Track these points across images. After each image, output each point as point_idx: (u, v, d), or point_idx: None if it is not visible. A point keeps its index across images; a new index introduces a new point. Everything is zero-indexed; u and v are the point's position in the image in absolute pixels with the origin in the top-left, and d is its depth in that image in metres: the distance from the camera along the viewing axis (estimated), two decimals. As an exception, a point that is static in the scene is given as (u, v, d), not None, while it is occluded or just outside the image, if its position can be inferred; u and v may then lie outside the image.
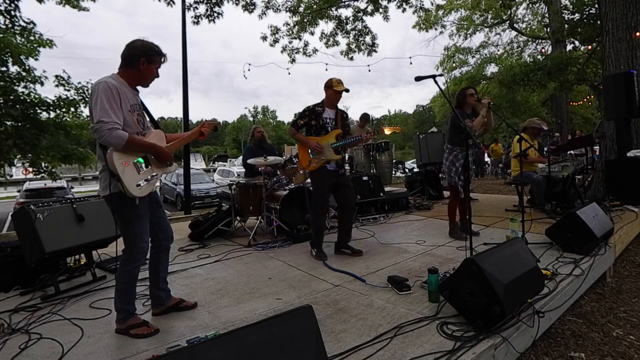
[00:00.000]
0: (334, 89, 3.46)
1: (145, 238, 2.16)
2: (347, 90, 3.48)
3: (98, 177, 2.13)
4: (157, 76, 2.23)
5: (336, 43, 10.77)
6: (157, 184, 2.29)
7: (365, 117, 7.23)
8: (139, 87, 2.23)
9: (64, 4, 8.76)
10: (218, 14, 8.56)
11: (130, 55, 2.11)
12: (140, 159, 2.09)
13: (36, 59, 8.20)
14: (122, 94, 2.02)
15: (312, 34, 10.43)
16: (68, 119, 8.77)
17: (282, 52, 10.49)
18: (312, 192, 3.58)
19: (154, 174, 2.15)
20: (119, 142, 1.93)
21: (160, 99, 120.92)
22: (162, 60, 2.20)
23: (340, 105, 3.63)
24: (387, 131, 3.74)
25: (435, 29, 17.49)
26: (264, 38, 10.29)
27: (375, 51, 10.78)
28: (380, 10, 9.78)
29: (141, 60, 2.10)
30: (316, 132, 3.49)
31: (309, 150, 3.47)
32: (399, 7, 9.75)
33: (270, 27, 10.20)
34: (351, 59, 11.08)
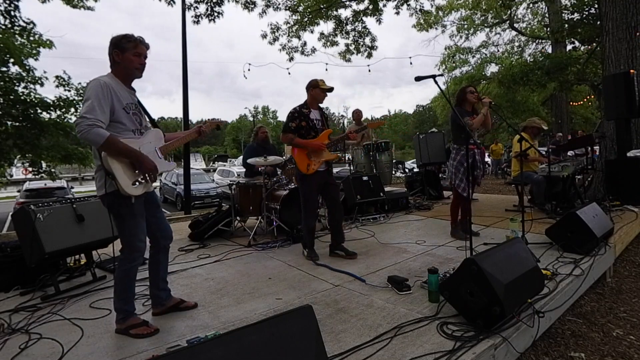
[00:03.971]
0: (321, 87, 3.45)
1: (142, 237, 2.15)
2: (331, 89, 3.48)
3: (94, 177, 2.11)
4: (142, 63, 2.15)
5: (335, 43, 10.77)
6: (156, 183, 2.28)
7: (357, 112, 7.06)
8: (137, 84, 2.22)
9: (68, 4, 8.76)
10: (218, 13, 8.56)
11: (108, 55, 2.12)
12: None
13: (36, 59, 8.20)
14: (114, 93, 2.01)
15: (312, 32, 10.48)
16: (69, 120, 8.76)
17: (280, 50, 10.55)
18: (301, 194, 3.51)
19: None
20: (97, 139, 1.89)
21: (162, 99, 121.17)
22: (137, 44, 2.11)
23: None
24: (371, 128, 3.75)
25: (436, 28, 17.56)
26: (264, 36, 10.34)
27: (371, 55, 10.80)
28: (377, 13, 9.79)
29: (114, 53, 2.09)
30: (305, 134, 3.44)
31: (306, 154, 3.42)
32: (396, 8, 9.75)
33: (270, 25, 10.23)
34: (348, 60, 11.09)
